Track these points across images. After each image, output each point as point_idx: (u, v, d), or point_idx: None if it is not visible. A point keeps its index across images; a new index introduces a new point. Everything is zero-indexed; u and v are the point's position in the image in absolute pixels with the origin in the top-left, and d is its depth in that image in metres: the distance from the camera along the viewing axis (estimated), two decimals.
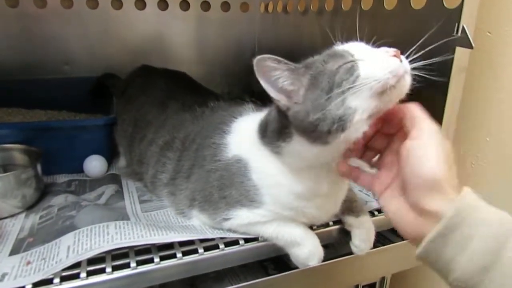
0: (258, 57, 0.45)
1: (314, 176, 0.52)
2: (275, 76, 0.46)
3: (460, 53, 0.61)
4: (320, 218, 0.59)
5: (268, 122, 0.54)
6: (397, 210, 0.43)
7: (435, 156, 0.39)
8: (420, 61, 0.46)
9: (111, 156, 0.89)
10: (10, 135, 0.77)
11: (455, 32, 0.60)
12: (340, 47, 0.49)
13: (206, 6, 1.25)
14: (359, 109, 0.43)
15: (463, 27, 0.59)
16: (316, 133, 0.45)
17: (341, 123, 0.44)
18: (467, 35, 0.58)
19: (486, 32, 0.72)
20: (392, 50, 0.44)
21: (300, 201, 0.54)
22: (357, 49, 0.47)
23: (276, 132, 0.52)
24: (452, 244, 0.37)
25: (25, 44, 1.09)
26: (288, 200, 0.54)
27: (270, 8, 1.25)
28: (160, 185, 0.70)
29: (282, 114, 0.50)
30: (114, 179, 0.82)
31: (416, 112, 0.43)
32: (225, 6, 1.28)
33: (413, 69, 0.45)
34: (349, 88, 0.43)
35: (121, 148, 0.89)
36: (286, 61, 0.47)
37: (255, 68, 0.46)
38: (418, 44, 0.48)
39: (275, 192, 0.54)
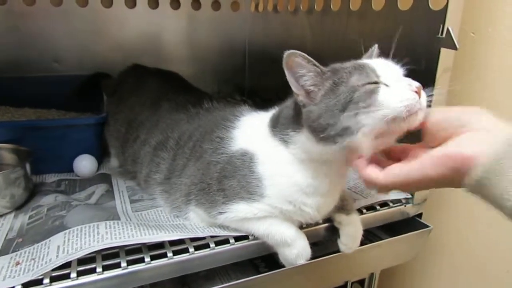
0: (289, 51, 0.48)
1: (314, 172, 0.54)
2: (300, 73, 0.49)
3: (445, 54, 0.62)
4: (315, 218, 0.60)
5: (283, 110, 0.57)
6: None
7: None
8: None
9: (101, 156, 0.89)
10: None
11: (440, 33, 0.61)
12: (369, 61, 0.51)
13: (196, 5, 1.25)
14: (367, 126, 0.45)
15: (447, 28, 0.60)
16: (323, 134, 0.48)
17: (347, 132, 0.46)
18: (451, 37, 0.60)
19: (470, 32, 0.74)
20: (415, 85, 0.45)
21: (300, 195, 0.55)
22: (384, 70, 0.48)
23: (289, 120, 0.54)
24: None
25: (13, 42, 1.08)
26: (289, 191, 0.55)
27: (260, 8, 1.26)
28: (153, 184, 0.70)
29: (298, 105, 0.52)
30: (105, 178, 0.81)
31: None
32: (216, 5, 1.28)
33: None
34: (364, 108, 0.45)
35: (112, 148, 0.88)
36: (314, 62, 0.49)
37: (284, 60, 0.48)
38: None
39: (278, 182, 0.55)
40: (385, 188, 0.46)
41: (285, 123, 0.55)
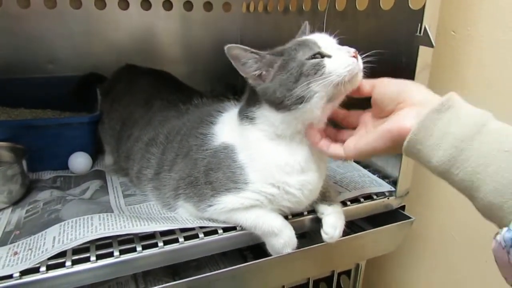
0: (228, 45, 0.54)
1: (287, 148, 0.58)
2: (243, 61, 0.56)
3: (424, 51, 0.65)
4: (301, 202, 0.62)
5: (245, 95, 0.63)
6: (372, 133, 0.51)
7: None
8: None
9: (95, 153, 0.91)
10: None
11: (418, 31, 0.64)
12: (309, 37, 0.58)
13: (189, 6, 1.28)
14: (318, 92, 0.53)
15: (424, 27, 0.63)
16: (280, 105, 0.55)
17: (302, 99, 0.54)
18: (428, 35, 0.63)
19: (451, 31, 0.77)
20: (352, 51, 0.54)
21: (282, 175, 0.58)
22: (323, 42, 0.56)
23: (249, 100, 0.60)
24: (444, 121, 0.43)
25: (8, 44, 1.10)
26: (270, 172, 0.58)
27: (251, 8, 1.28)
28: (144, 180, 0.73)
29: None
30: (99, 175, 0.84)
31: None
32: (208, 6, 1.30)
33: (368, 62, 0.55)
34: (314, 78, 0.53)
35: (107, 146, 0.90)
36: (252, 50, 0.56)
37: (226, 53, 0.55)
38: None
39: (259, 165, 0.58)
40: (349, 158, 0.56)
41: (248, 104, 0.60)
